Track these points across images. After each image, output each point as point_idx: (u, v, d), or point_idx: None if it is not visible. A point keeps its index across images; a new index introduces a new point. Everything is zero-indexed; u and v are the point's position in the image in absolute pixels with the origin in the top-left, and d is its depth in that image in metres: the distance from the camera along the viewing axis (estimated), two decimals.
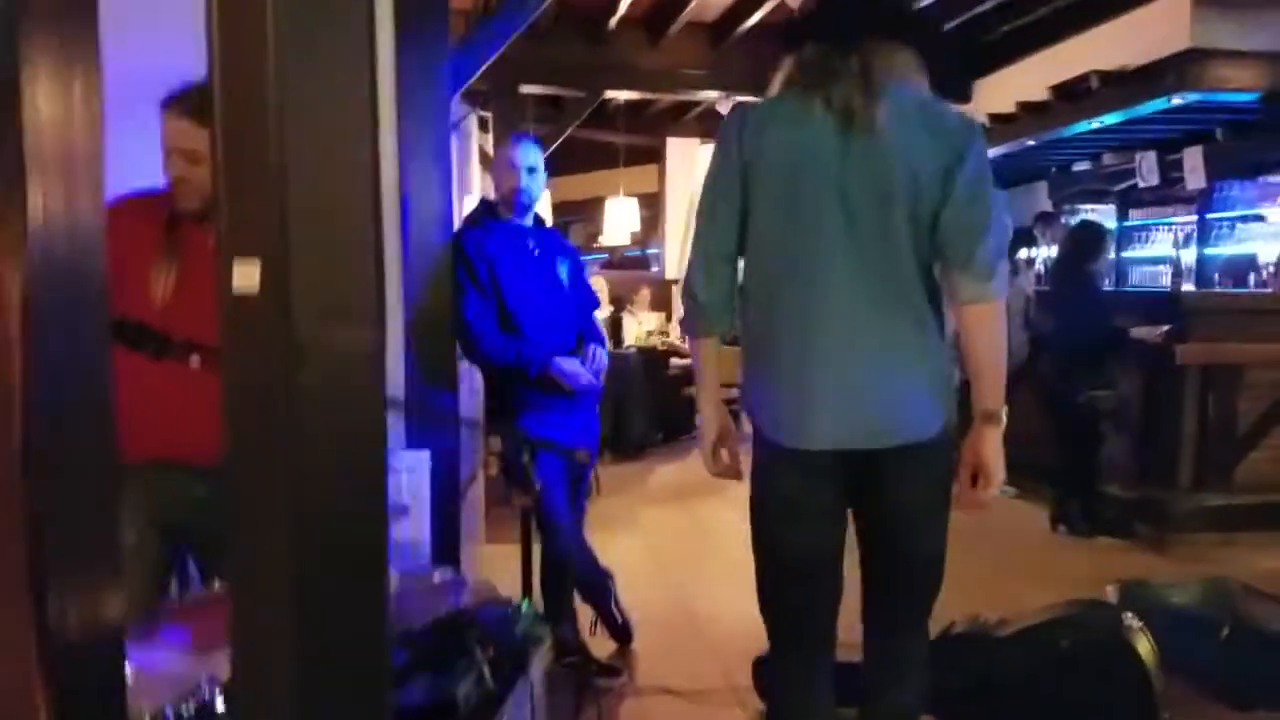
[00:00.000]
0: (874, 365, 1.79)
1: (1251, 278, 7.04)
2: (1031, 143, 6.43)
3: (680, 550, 4.82)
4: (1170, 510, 4.95)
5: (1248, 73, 4.99)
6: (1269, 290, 6.78)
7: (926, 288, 1.81)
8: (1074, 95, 5.60)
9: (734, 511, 5.75)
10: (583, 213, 10.98)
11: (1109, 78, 5.39)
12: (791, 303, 1.81)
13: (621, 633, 3.30)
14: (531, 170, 2.97)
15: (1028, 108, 6.01)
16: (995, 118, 6.47)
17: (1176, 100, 5.26)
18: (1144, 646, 2.66)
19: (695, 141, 9.13)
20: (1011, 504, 5.75)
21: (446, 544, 2.81)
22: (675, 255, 9.70)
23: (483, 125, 7.22)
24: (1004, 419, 1.84)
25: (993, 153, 6.69)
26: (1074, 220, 9.01)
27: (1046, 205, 9.27)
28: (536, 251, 2.98)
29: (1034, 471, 5.60)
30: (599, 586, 3.22)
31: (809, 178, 1.78)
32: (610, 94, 6.91)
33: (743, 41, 6.49)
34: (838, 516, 1.92)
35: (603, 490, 5.51)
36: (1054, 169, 8.60)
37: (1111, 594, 3.68)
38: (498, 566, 2.93)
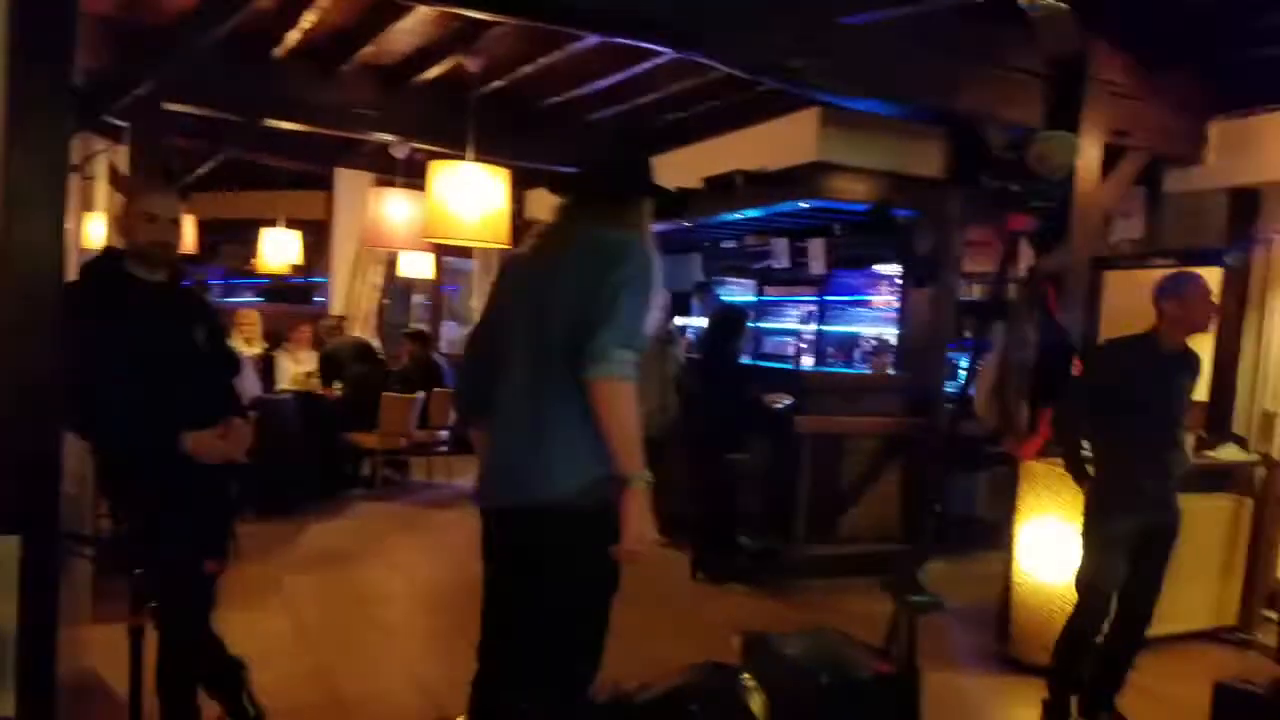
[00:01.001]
0: (516, 443, 2.25)
1: (855, 353, 8.21)
2: (688, 225, 7.02)
3: (330, 623, 4.47)
4: (788, 559, 5.59)
5: (861, 185, 5.86)
6: (867, 369, 7.96)
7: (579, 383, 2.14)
8: (723, 188, 6.21)
9: (396, 575, 5.58)
10: (236, 233, 10.14)
11: (751, 177, 6.05)
12: (498, 391, 2.33)
13: None
14: (173, 223, 2.69)
15: (685, 194, 6.57)
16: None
17: (804, 204, 6.04)
18: (757, 704, 2.95)
19: (368, 176, 8.86)
20: (660, 552, 6.15)
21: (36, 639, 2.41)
22: (343, 288, 9.31)
23: (116, 136, 6.46)
24: (641, 482, 2.12)
25: (655, 228, 7.22)
26: (722, 291, 10.01)
27: (700, 276, 10.16)
28: (169, 312, 2.70)
29: (681, 521, 6.11)
30: (228, 677, 2.93)
31: (507, 302, 2.44)
32: (273, 123, 6.50)
33: (420, 90, 6.44)
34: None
35: (243, 555, 5.05)
36: (706, 243, 9.46)
37: (736, 644, 4.07)
38: (108, 651, 2.53)
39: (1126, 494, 3.44)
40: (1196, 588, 4.83)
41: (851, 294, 8.77)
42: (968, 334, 7.76)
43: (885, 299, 8.28)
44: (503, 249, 5.85)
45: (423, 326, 9.59)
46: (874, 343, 8.33)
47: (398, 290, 10.29)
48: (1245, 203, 5.42)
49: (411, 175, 7.00)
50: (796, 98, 5.01)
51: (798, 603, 5.20)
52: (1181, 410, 3.57)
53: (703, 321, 7.55)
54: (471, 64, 5.79)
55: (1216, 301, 3.53)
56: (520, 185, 6.10)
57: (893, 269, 7.81)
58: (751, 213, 6.68)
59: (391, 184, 7.47)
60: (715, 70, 4.38)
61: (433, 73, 6.16)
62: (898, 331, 7.08)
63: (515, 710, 2.32)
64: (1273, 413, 5.42)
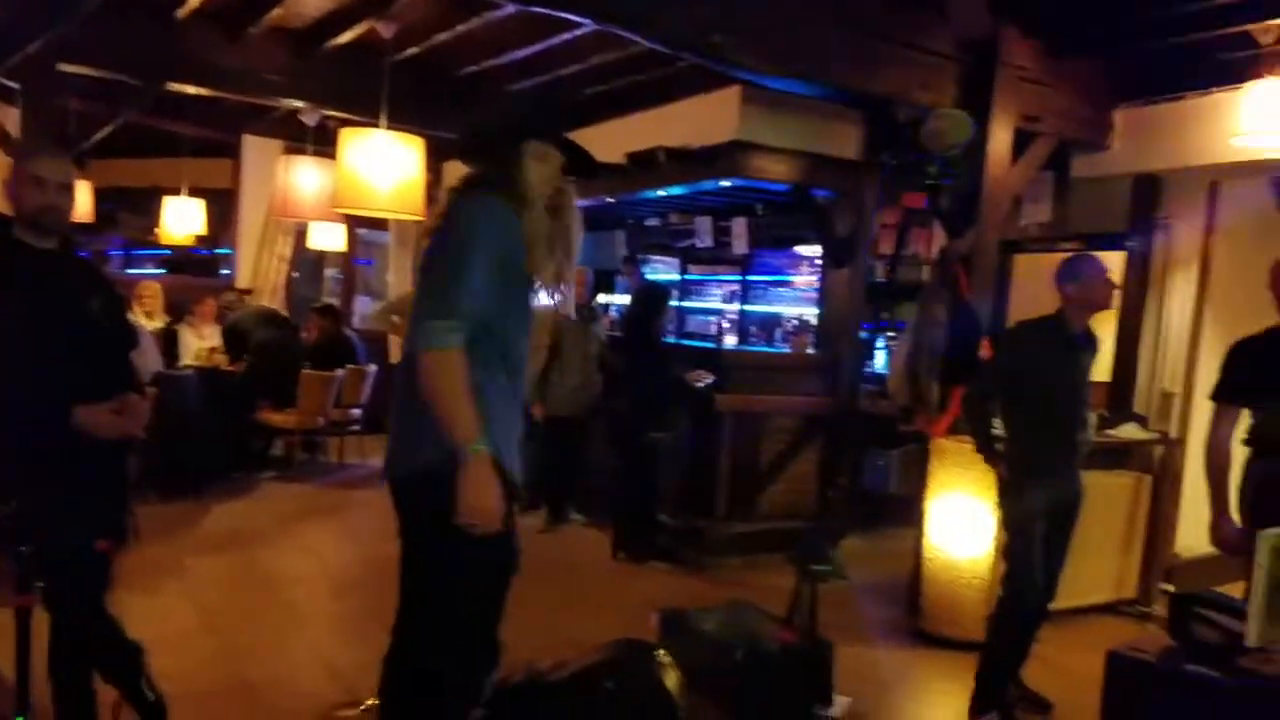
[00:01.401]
0: (395, 417, 2.25)
1: (777, 332, 8.30)
2: (611, 200, 6.95)
3: (236, 607, 4.32)
4: (709, 537, 5.62)
5: (781, 166, 5.88)
6: (788, 349, 8.05)
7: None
8: (646, 164, 6.16)
9: (305, 558, 5.44)
10: (137, 202, 9.68)
11: (674, 154, 6.01)
12: None
13: (152, 713, 2.90)
14: (64, 188, 2.53)
15: (608, 169, 6.49)
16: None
17: (726, 183, 6.03)
18: (672, 680, 2.96)
19: (277, 144, 8.53)
20: (581, 531, 6.15)
21: None
22: (250, 260, 8.98)
23: (7, 98, 6.11)
24: (474, 453, 2.02)
25: (579, 204, 7.16)
26: (646, 269, 10.00)
27: (624, 252, 10.12)
28: (61, 282, 2.54)
29: (602, 500, 6.10)
30: (125, 662, 2.80)
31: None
32: (176, 87, 6.21)
33: (332, 55, 6.22)
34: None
35: (143, 537, 4.84)
36: (630, 220, 9.42)
37: (654, 622, 4.08)
38: None
39: (1038, 471, 3.52)
40: (1098, 562, 5.02)
41: (774, 274, 8.85)
42: (884, 315, 7.95)
43: (807, 279, 8.38)
44: (418, 221, 5.71)
45: (333, 301, 9.30)
46: (795, 322, 8.43)
47: (308, 263, 9.98)
48: (1147, 188, 5.63)
49: (322, 143, 6.76)
50: (719, 75, 4.98)
51: (717, 580, 5.25)
52: (1087, 390, 3.70)
53: (626, 299, 7.53)
54: (385, 29, 5.61)
55: (1116, 282, 3.63)
56: (438, 156, 5.94)
57: (814, 250, 7.90)
58: (675, 190, 6.65)
59: (302, 152, 7.21)
60: (637, 44, 4.31)
61: (345, 37, 5.95)
62: (817, 312, 7.17)
63: (414, 685, 2.26)
64: (1171, 393, 5.65)
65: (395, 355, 7.66)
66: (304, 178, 6.73)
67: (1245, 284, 5.06)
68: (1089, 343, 3.65)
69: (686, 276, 9.77)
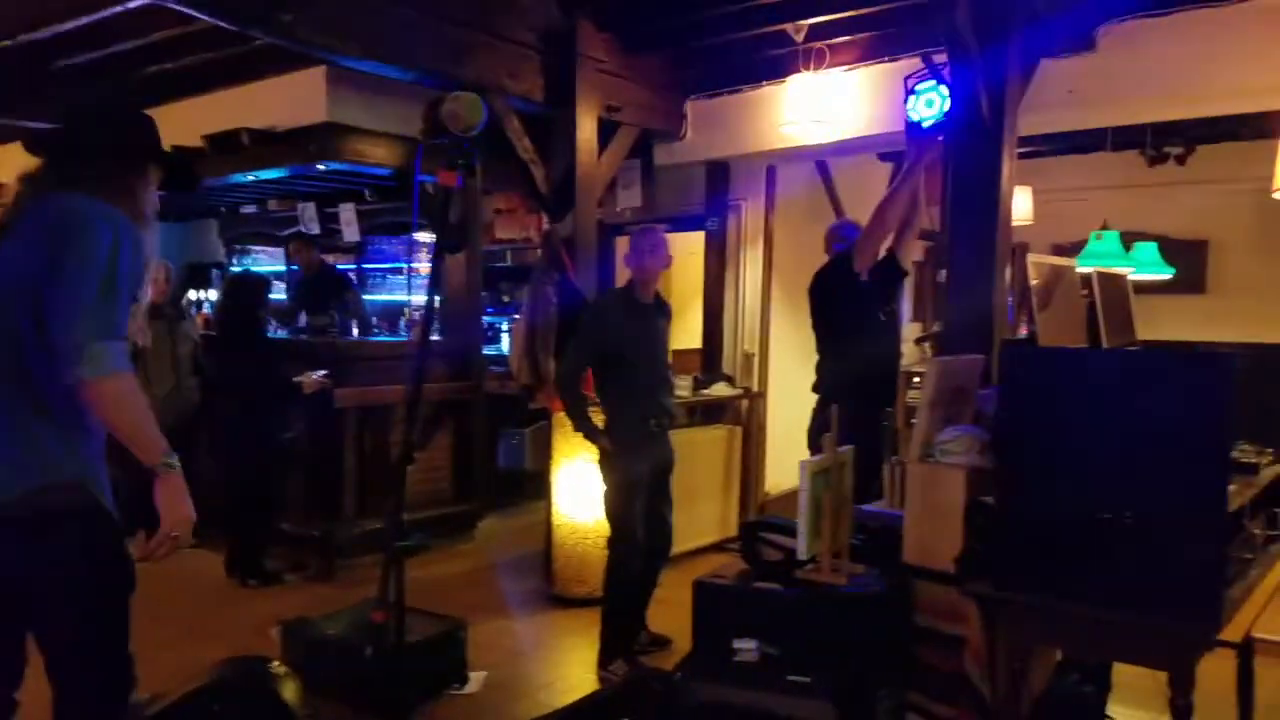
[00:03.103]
0: None
1: (402, 322, 8.12)
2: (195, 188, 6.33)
3: None
4: (337, 539, 5.38)
5: (381, 149, 5.74)
6: (410, 337, 7.89)
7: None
8: (227, 147, 5.71)
9: None
10: None
11: (259, 136, 5.63)
12: None
13: None
14: None
15: (184, 152, 5.89)
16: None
17: (322, 166, 5.77)
18: (290, 690, 2.81)
19: None
20: (189, 554, 5.57)
21: None
22: None
23: None
24: (167, 468, 2.00)
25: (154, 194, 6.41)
26: (250, 261, 9.27)
27: (218, 244, 9.29)
28: None
29: (211, 517, 5.55)
30: None
31: None
32: None
33: None
34: None
35: None
36: (223, 209, 8.67)
37: (275, 636, 3.85)
38: None
39: (635, 436, 3.82)
40: (706, 508, 5.60)
41: (390, 260, 8.65)
42: (505, 298, 8.13)
43: (426, 266, 8.26)
44: None
45: None
46: (419, 311, 8.28)
47: None
48: (718, 173, 6.32)
49: None
50: (301, 54, 4.74)
51: (350, 581, 5.05)
52: (664, 353, 4.06)
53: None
54: None
55: (668, 250, 3.94)
56: None
57: (433, 236, 7.78)
58: (268, 174, 6.22)
59: None
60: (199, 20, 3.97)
61: None
62: (438, 297, 7.10)
63: None
64: (751, 353, 6.44)
65: None
66: None
67: (799, 253, 5.92)
68: (661, 309, 3.99)
69: (293, 267, 9.20)
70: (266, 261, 9.17)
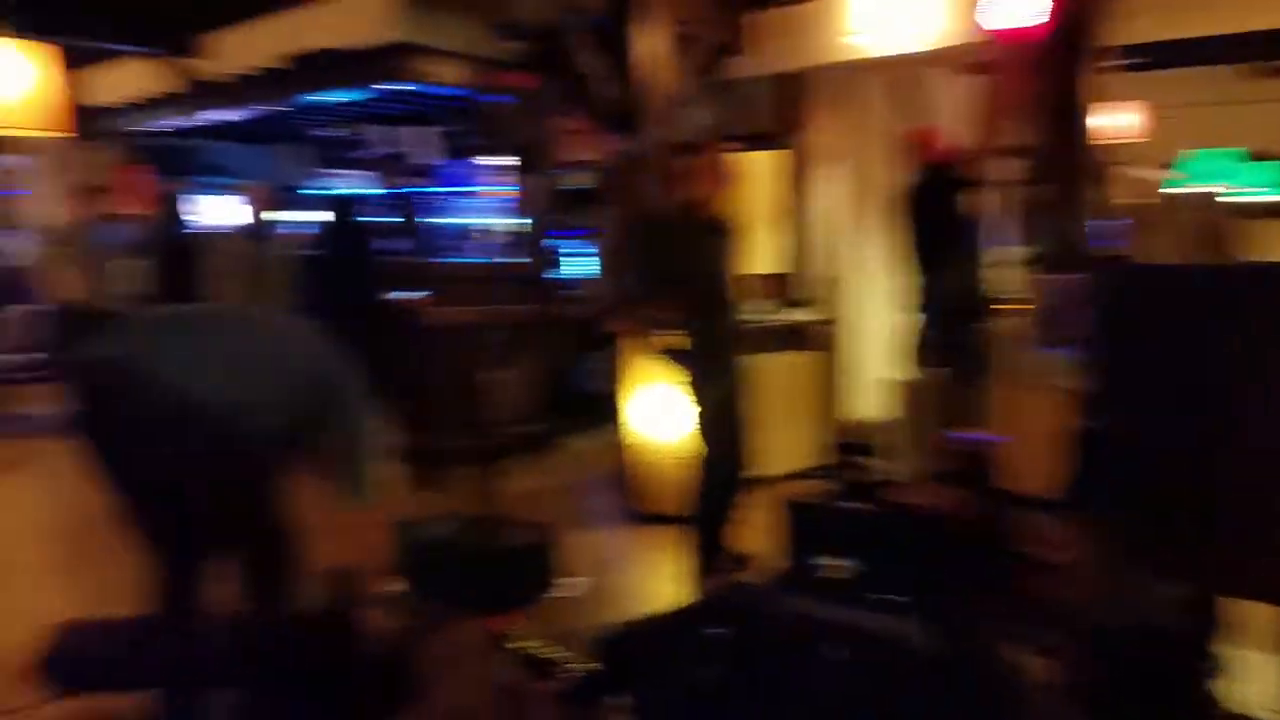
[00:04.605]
0: None
1: (465, 245, 8.16)
2: (283, 108, 6.35)
3: None
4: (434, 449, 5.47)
5: (449, 69, 5.68)
6: (488, 259, 7.92)
7: None
8: (311, 67, 5.70)
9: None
10: None
11: (337, 56, 5.60)
12: None
13: None
14: None
15: (270, 74, 5.91)
16: (243, 78, 6.26)
17: (396, 86, 5.73)
18: None
19: None
20: None
21: None
22: None
23: None
24: None
25: (248, 114, 6.39)
26: (332, 185, 9.32)
27: (312, 167, 9.33)
28: None
29: None
30: None
31: None
32: None
33: None
34: None
35: None
36: (309, 132, 8.69)
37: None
38: None
39: (713, 357, 3.82)
40: (788, 434, 5.28)
41: (461, 184, 8.65)
42: (572, 222, 8.10)
43: (493, 190, 8.25)
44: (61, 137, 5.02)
45: None
46: (484, 233, 8.31)
47: None
48: (790, 87, 6.12)
49: None
50: None
51: (441, 491, 5.20)
52: (726, 272, 3.93)
53: (308, 216, 6.92)
54: None
55: (728, 170, 3.87)
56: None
57: (502, 159, 7.76)
58: (346, 94, 6.20)
59: None
60: None
61: None
62: (510, 221, 7.14)
63: None
64: (831, 276, 6.28)
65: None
66: None
67: (875, 169, 5.74)
68: (720, 228, 3.89)
69: (368, 191, 9.26)
70: (351, 184, 9.19)
